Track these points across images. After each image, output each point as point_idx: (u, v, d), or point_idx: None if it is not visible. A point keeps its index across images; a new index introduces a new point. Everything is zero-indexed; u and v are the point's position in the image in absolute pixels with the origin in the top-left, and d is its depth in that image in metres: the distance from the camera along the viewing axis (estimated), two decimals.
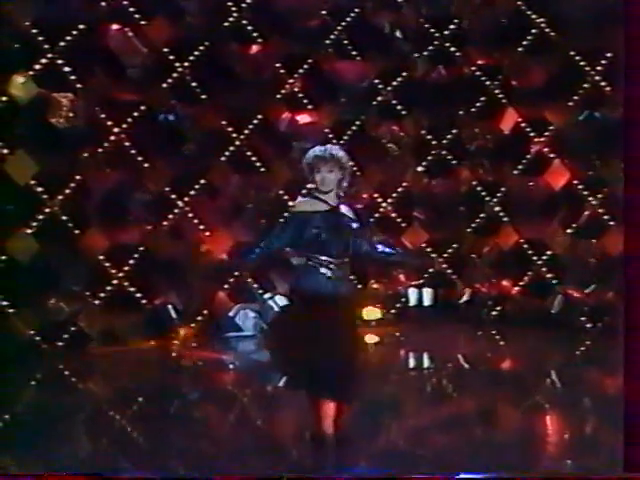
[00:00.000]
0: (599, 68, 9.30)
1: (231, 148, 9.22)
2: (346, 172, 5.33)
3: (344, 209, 5.34)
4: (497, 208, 9.95)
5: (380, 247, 5.49)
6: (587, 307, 9.42)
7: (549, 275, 9.70)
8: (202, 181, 9.09)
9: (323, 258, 5.20)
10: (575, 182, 9.54)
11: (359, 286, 9.18)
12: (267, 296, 9.35)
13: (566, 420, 6.60)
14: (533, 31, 9.69)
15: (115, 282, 8.69)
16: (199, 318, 9.12)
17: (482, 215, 10.01)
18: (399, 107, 10.02)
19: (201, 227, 9.14)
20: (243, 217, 9.37)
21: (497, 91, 9.91)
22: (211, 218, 9.16)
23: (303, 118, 9.79)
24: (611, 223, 9.32)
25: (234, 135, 9.24)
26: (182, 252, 9.06)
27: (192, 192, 9.04)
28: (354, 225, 5.33)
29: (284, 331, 5.42)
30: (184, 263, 9.02)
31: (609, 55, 9.15)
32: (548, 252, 9.72)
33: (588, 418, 6.61)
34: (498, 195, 9.96)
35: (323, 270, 5.21)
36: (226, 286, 9.26)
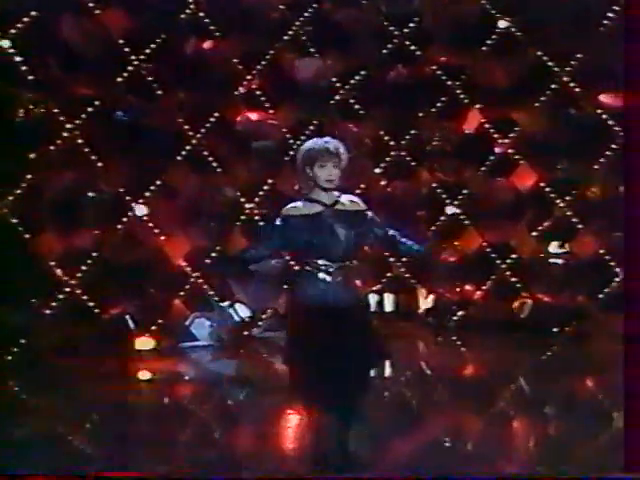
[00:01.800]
0: (568, 69, 9.18)
1: (187, 147, 8.85)
2: (342, 169, 4.97)
3: (346, 200, 4.94)
4: (458, 211, 9.79)
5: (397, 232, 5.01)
6: (557, 311, 9.26)
7: (514, 279, 9.53)
8: (158, 182, 8.68)
9: (321, 262, 4.79)
10: (542, 184, 9.40)
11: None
12: (226, 304, 8.95)
13: (542, 425, 6.52)
14: (498, 30, 9.52)
15: (68, 290, 8.24)
16: (154, 328, 8.69)
17: (442, 218, 9.83)
18: (357, 107, 9.73)
19: (157, 231, 8.73)
20: (200, 221, 8.98)
21: (459, 91, 9.72)
22: (167, 221, 8.74)
23: (261, 116, 9.47)
24: (580, 226, 9.23)
25: (190, 133, 8.87)
26: (138, 258, 8.61)
27: (147, 194, 8.63)
28: (368, 214, 4.91)
29: (293, 348, 4.97)
30: (140, 269, 8.56)
31: (579, 56, 9.06)
32: (513, 255, 9.56)
33: (562, 423, 6.53)
34: (460, 198, 9.77)
35: (322, 275, 4.79)
36: (182, 293, 8.86)
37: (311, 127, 9.51)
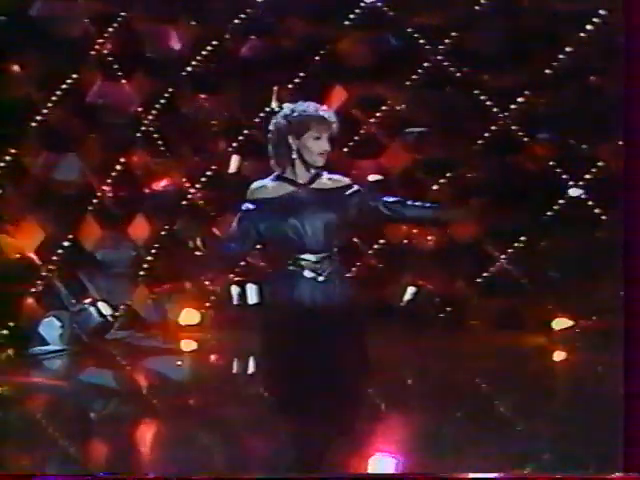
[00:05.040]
0: (442, 47, 8.94)
1: (38, 118, 7.83)
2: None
3: (326, 178, 4.34)
4: None
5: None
6: (431, 297, 9.07)
7: (381, 265, 9.27)
8: (7, 158, 7.58)
9: (305, 257, 4.18)
10: (414, 166, 9.16)
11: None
12: (87, 302, 7.95)
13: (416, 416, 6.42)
14: (362, 4, 9.16)
15: None
16: (4, 332, 7.71)
17: None
18: (210, 79, 9.18)
19: (5, 217, 7.65)
20: (53, 205, 7.94)
21: (319, 66, 9.30)
22: (16, 206, 7.64)
23: (112, 86, 8.71)
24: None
25: (41, 102, 7.89)
26: None
27: None
28: (354, 188, 4.34)
29: (274, 360, 4.30)
30: None
31: (454, 34, 8.87)
32: (381, 241, 9.25)
33: (439, 412, 6.40)
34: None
35: (307, 273, 4.18)
36: (33, 290, 7.77)
37: (162, 101, 8.91)
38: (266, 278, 4.55)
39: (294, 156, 4.23)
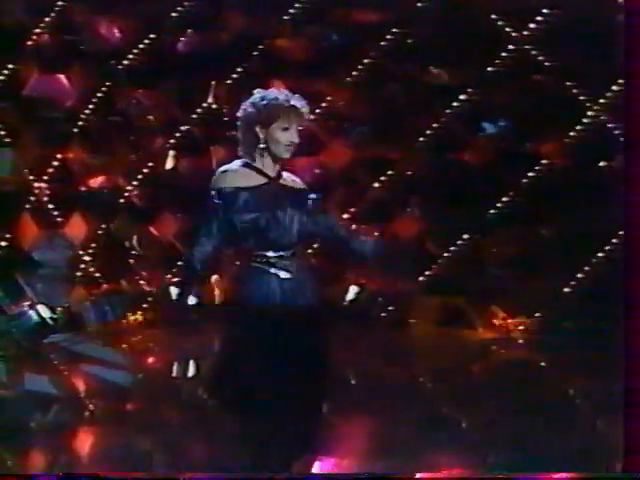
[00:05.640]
0: (383, 43, 8.90)
1: None
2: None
3: (287, 177, 4.18)
4: None
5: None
6: (374, 297, 9.07)
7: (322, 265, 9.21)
8: None
9: (271, 254, 4.04)
10: (353, 163, 9.12)
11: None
12: (26, 304, 7.67)
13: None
14: None
15: None
16: None
17: None
18: (146, 74, 9.06)
19: None
20: None
21: (257, 61, 9.19)
22: None
23: (48, 78, 8.48)
24: (396, 207, 9.00)
25: None
26: None
27: None
28: (310, 196, 4.19)
29: (230, 366, 4.13)
30: None
31: (395, 30, 8.85)
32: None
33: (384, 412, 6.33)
34: None
35: (273, 270, 4.04)
36: None
37: (99, 94, 8.79)
38: (232, 275, 4.39)
39: (262, 146, 4.05)
